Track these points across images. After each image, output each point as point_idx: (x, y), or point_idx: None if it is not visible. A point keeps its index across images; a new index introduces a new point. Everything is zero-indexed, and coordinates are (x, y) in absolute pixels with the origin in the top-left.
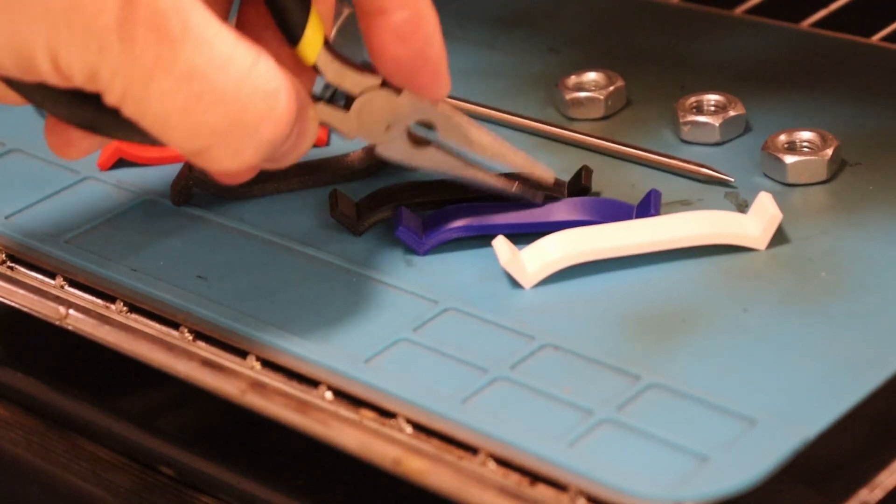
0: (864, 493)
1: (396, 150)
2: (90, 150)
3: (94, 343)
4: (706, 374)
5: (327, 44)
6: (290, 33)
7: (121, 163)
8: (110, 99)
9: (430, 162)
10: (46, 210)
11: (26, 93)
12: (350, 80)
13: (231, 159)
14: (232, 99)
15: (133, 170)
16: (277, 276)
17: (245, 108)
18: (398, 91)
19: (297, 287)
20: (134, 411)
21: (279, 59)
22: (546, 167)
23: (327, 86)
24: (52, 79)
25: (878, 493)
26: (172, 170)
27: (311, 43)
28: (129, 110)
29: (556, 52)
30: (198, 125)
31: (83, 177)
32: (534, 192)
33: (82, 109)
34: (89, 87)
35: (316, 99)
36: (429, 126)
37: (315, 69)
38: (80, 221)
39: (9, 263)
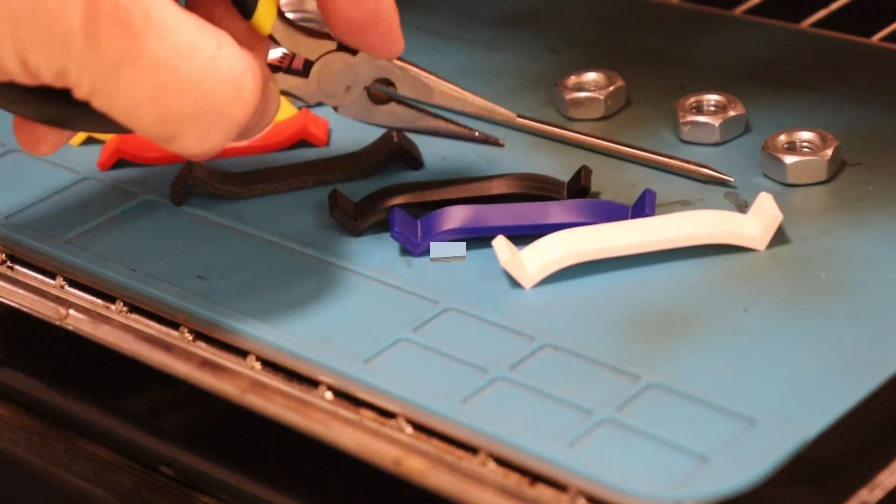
0: (864, 493)
1: (358, 109)
2: (59, 144)
3: (94, 343)
4: (706, 374)
5: (281, 13)
6: (244, 7)
7: (121, 163)
8: (79, 94)
9: (391, 117)
10: (46, 210)
11: None
12: (306, 47)
13: (201, 143)
14: (198, 85)
15: (133, 170)
16: (277, 275)
17: (212, 93)
18: (354, 52)
19: (296, 287)
20: (134, 411)
21: (233, 33)
22: (507, 110)
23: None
24: (22, 78)
25: (878, 493)
26: (172, 170)
27: (265, 14)
28: (98, 103)
29: (556, 52)
30: (167, 113)
31: (83, 177)
32: (494, 137)
33: (48, 106)
34: (58, 83)
35: (274, 69)
36: (387, 83)
37: (271, 39)
38: (80, 221)
39: (9, 263)
